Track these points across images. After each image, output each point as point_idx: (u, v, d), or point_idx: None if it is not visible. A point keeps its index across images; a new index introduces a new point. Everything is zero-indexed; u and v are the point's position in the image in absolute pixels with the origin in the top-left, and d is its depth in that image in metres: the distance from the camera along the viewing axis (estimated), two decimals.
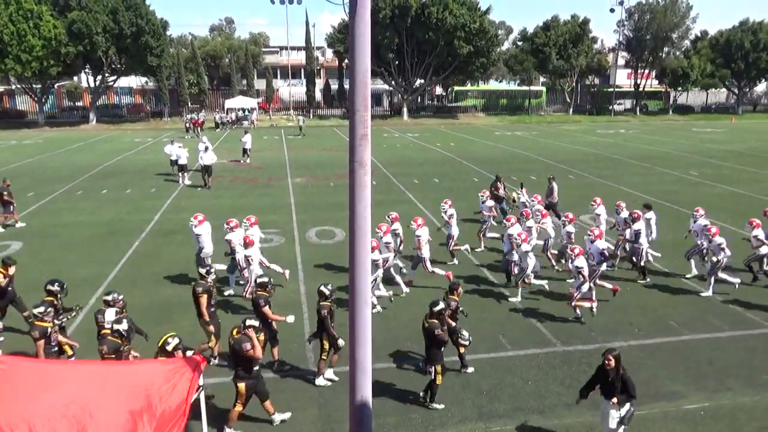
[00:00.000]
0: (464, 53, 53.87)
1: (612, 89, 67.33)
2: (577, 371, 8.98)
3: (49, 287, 8.66)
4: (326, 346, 8.37)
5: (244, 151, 30.35)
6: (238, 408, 7.19)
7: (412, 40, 53.86)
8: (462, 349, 8.76)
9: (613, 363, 6.38)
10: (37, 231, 16.74)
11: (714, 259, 11.97)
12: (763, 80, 71.21)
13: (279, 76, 73.70)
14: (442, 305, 7.94)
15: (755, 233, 12.43)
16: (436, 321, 7.76)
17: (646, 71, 67.77)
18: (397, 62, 56.32)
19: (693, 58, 64.30)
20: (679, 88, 67.68)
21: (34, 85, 51.88)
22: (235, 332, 7.24)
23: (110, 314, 7.93)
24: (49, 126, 51.93)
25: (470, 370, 8.89)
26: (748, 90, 71.62)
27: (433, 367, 7.77)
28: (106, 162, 30.53)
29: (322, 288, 8.53)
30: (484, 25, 54.38)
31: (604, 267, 11.46)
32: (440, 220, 15.56)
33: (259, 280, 9.12)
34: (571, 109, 67.21)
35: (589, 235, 11.57)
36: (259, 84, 68.68)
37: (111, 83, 55.72)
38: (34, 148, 36.94)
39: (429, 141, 41.07)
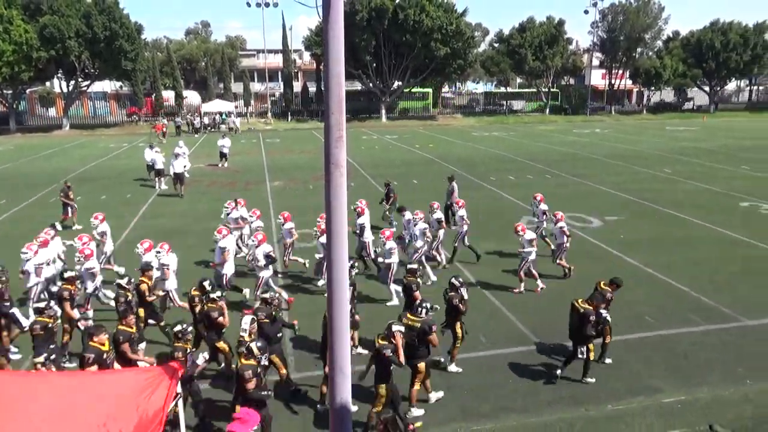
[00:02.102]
0: (441, 55, 54.12)
1: (587, 90, 68.29)
2: (556, 368, 9.06)
3: None
4: (459, 334, 8.79)
5: (222, 155, 30.09)
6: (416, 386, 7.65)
7: (390, 42, 53.97)
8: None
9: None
10: (11, 239, 16.37)
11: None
12: (733, 79, 72.81)
13: (256, 79, 73.29)
14: (400, 327, 7.47)
15: (560, 225, 12.83)
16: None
17: (620, 71, 68.84)
18: (374, 64, 56.37)
19: (665, 58, 65.46)
20: (652, 88, 68.85)
21: (5, 91, 50.80)
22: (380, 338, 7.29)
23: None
24: (21, 132, 50.90)
25: (453, 368, 8.95)
26: (719, 89, 73.14)
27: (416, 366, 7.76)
28: (81, 168, 30.03)
29: (453, 280, 8.94)
30: (461, 26, 54.71)
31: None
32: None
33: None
34: (547, 110, 67.95)
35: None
36: (237, 87, 68.22)
37: (84, 88, 54.82)
38: (6, 155, 36.17)
39: (408, 142, 41.18)
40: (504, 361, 9.29)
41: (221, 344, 8.64)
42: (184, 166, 22.95)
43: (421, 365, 7.70)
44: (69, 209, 17.69)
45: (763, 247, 15.07)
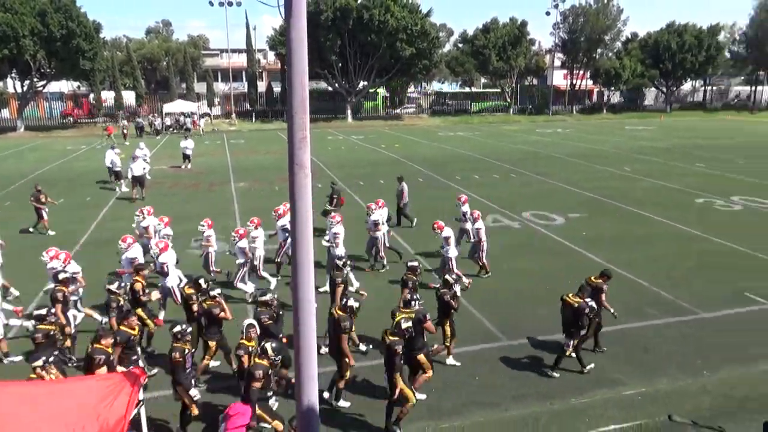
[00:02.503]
0: (407, 55, 54.35)
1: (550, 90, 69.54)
2: (523, 364, 9.22)
3: None
4: (448, 332, 8.95)
5: (185, 156, 29.55)
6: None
7: (355, 42, 53.91)
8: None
9: None
10: None
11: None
12: (689, 80, 75.12)
13: (220, 79, 72.23)
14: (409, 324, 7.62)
15: (477, 226, 13.04)
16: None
17: (582, 72, 70.31)
18: (340, 64, 56.23)
19: (624, 59, 67.11)
20: (612, 88, 70.51)
21: None
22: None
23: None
24: None
25: (451, 361, 9.15)
26: (675, 89, 75.37)
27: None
28: (38, 171, 29.08)
29: (447, 277, 9.23)
30: (426, 27, 55.03)
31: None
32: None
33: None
34: (511, 110, 68.90)
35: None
36: (200, 87, 67.11)
37: (40, 88, 53.06)
38: None
39: (374, 143, 41.21)
40: (470, 358, 9.38)
41: (212, 342, 8.58)
42: (144, 169, 22.34)
43: (422, 357, 7.86)
44: (43, 213, 17.08)
45: (717, 242, 15.61)
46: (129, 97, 61.24)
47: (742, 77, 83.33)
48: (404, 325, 7.41)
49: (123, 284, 9.46)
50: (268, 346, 6.94)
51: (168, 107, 56.53)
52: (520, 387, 8.58)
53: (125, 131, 43.00)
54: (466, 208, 14.35)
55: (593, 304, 8.85)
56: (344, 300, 8.35)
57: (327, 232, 13.01)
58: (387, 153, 35.24)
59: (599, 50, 68.79)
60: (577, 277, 12.90)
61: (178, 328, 7.28)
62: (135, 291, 9.30)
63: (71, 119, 56.76)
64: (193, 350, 7.67)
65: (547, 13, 65.68)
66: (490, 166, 29.24)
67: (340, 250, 11.62)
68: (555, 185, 23.96)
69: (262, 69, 74.03)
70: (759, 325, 10.53)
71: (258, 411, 6.71)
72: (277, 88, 65.00)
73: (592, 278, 9.49)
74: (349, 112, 60.16)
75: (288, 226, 12.69)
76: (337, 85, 58.65)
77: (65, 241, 15.83)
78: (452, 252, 12.17)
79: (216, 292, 8.80)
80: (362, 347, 9.41)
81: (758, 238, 15.81)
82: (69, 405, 4.94)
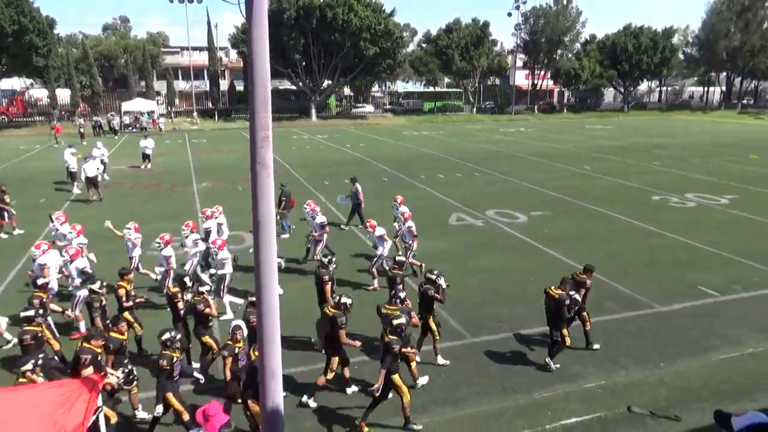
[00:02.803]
0: (371, 54, 54.38)
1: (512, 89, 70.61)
2: (487, 361, 9.34)
3: None
4: (433, 327, 8.98)
5: (145, 156, 28.88)
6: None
7: (319, 41, 53.64)
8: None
9: None
10: None
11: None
12: (645, 80, 77.35)
13: (181, 77, 70.86)
14: (403, 319, 7.70)
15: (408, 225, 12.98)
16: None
17: (543, 72, 71.63)
18: (303, 63, 55.88)
19: (583, 59, 68.70)
20: (572, 87, 72.07)
21: None
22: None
23: None
24: None
25: (441, 361, 9.19)
26: (632, 89, 77.50)
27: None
28: None
29: (429, 274, 9.23)
30: (389, 26, 55.17)
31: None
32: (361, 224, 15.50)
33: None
34: (474, 109, 69.69)
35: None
36: (160, 85, 65.70)
37: None
38: None
39: (339, 142, 41.10)
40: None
41: (207, 339, 8.68)
42: (97, 169, 21.64)
43: (405, 349, 7.97)
44: (5, 214, 16.57)
45: (672, 238, 16.13)
46: (64, 96, 58.85)
47: (696, 78, 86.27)
48: (396, 322, 7.49)
49: (104, 284, 9.29)
50: None
51: (127, 106, 55.15)
52: (484, 383, 8.69)
53: (82, 130, 41.72)
54: (404, 208, 13.98)
55: (577, 296, 9.14)
56: (337, 297, 8.43)
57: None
58: (352, 152, 35.19)
59: (559, 51, 70.25)
60: (540, 274, 13.22)
61: (167, 336, 7.16)
62: (119, 297, 9.24)
63: (5, 118, 54.61)
64: (182, 357, 7.56)
65: (509, 14, 66.78)
66: (454, 165, 29.51)
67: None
68: (518, 184, 24.34)
69: (225, 67, 72.97)
70: (711, 317, 10.93)
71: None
72: (239, 87, 64.20)
73: (578, 273, 9.77)
74: (313, 111, 59.84)
75: (202, 235, 12.76)
76: (301, 84, 58.26)
77: (21, 244, 15.30)
78: (386, 251, 12.13)
79: (205, 288, 8.94)
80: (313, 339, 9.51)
81: (710, 234, 16.41)
82: (25, 413, 4.78)
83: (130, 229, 12.18)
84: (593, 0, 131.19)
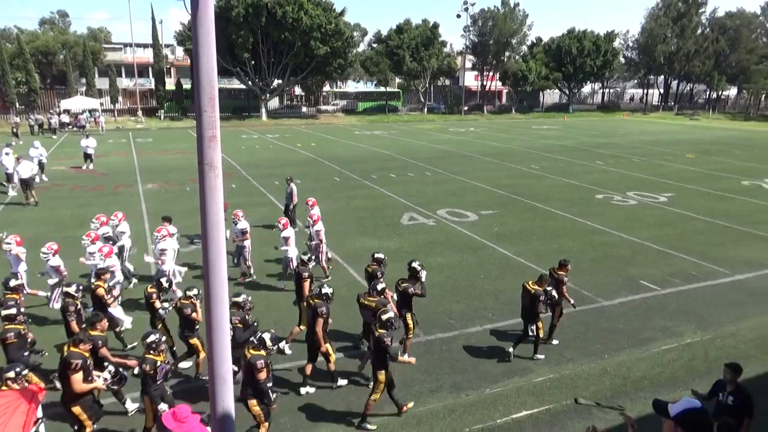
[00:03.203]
0: (321, 54, 54.07)
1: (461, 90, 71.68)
2: (439, 358, 9.45)
3: None
4: (410, 324, 9.03)
5: (87, 156, 27.78)
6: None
7: (268, 39, 52.94)
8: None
9: None
10: None
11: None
12: (588, 82, 79.96)
13: (124, 75, 68.52)
14: (391, 314, 7.81)
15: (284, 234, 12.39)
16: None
17: (491, 73, 72.99)
18: (253, 62, 55.04)
19: (530, 62, 70.40)
20: (519, 89, 73.74)
21: None
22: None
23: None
24: None
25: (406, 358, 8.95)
26: (576, 91, 79.97)
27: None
28: None
29: (415, 264, 9.39)
30: (340, 26, 54.99)
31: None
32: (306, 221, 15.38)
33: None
34: (425, 109, 70.35)
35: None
36: (102, 83, 63.31)
37: None
38: None
39: (290, 142, 40.69)
40: None
41: (194, 341, 8.63)
42: (32, 170, 20.59)
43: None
44: None
45: (615, 234, 16.74)
46: None
47: (635, 80, 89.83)
48: (384, 317, 7.61)
49: (80, 288, 9.05)
50: (266, 336, 7.00)
51: (66, 104, 52.90)
52: (436, 380, 8.80)
53: (15, 129, 39.75)
54: (315, 210, 13.76)
55: (554, 292, 9.45)
56: (318, 288, 8.55)
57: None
58: (304, 152, 34.92)
59: (507, 53, 71.72)
60: (491, 272, 13.49)
61: (151, 338, 7.02)
62: (99, 296, 9.26)
63: None
64: (168, 362, 7.45)
65: (458, 16, 67.72)
66: (405, 165, 29.71)
67: (168, 266, 11.40)
68: (468, 183, 24.72)
69: (170, 65, 71.02)
70: (651, 310, 11.41)
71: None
72: (187, 85, 62.65)
73: (555, 269, 10.01)
74: (263, 110, 59.03)
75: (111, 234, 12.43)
76: (250, 82, 57.37)
77: None
78: (291, 252, 12.07)
79: (193, 292, 8.78)
80: (283, 346, 9.38)
81: (650, 230, 17.13)
82: None
83: (11, 243, 10.80)
84: (538, 4, 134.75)
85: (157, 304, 8.97)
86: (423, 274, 9.34)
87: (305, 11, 51.49)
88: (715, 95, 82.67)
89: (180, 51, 69.08)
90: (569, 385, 8.68)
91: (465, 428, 7.62)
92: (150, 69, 65.28)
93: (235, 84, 61.19)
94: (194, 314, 8.53)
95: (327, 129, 52.63)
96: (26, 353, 7.76)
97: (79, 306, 8.68)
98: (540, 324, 9.38)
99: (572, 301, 10.06)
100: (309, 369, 8.45)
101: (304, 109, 67.63)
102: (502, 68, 71.35)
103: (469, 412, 7.99)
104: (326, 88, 74.24)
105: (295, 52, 53.65)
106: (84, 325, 8.18)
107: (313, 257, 11.23)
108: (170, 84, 62.31)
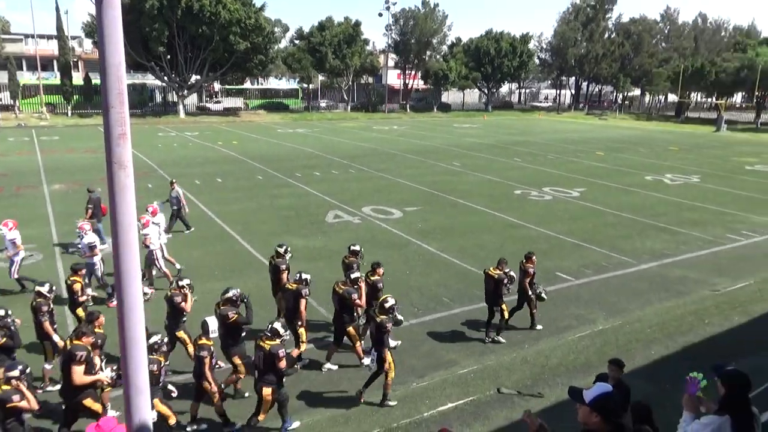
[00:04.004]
0: (241, 49, 52.71)
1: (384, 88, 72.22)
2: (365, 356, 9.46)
3: None
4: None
5: None
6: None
7: (185, 33, 50.98)
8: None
9: None
10: None
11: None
12: (506, 82, 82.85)
13: (26, 68, 63.86)
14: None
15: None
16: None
17: (413, 72, 74.00)
18: (168, 56, 52.84)
19: (451, 61, 71.96)
20: (441, 88, 75.26)
21: None
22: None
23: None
24: None
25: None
26: (495, 91, 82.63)
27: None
28: None
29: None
30: (260, 21, 53.80)
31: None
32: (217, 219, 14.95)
33: None
34: (348, 107, 70.32)
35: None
36: (0, 77, 58.68)
37: None
38: None
39: (209, 140, 39.44)
40: (316, 354, 9.42)
41: (181, 333, 8.68)
42: None
43: (351, 329, 8.90)
44: None
45: (533, 229, 17.44)
46: None
47: (549, 81, 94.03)
48: (387, 305, 8.16)
49: (53, 288, 8.79)
50: (278, 326, 7.21)
51: None
52: (363, 378, 8.80)
53: None
54: (148, 216, 12.82)
55: (512, 273, 10.02)
56: (297, 274, 9.15)
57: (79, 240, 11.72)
58: (225, 150, 33.94)
59: (428, 52, 72.95)
60: (415, 267, 13.67)
61: (153, 340, 7.02)
62: (74, 291, 9.30)
63: None
64: (167, 362, 7.49)
65: (380, 15, 67.94)
66: (329, 163, 29.57)
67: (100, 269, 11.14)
68: (392, 180, 24.95)
69: (78, 58, 66.94)
70: (567, 300, 11.98)
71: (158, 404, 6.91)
72: (96, 80, 59.17)
73: (523, 263, 10.43)
74: (181, 107, 56.84)
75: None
76: (166, 78, 55.07)
77: None
78: (155, 248, 11.78)
79: (185, 282, 8.86)
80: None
81: (564, 224, 17.98)
82: None
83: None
84: (458, 4, 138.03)
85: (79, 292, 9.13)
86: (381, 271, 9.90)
87: (223, 5, 49.99)
88: (621, 96, 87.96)
89: (88, 43, 65.23)
90: (492, 375, 8.95)
91: (393, 423, 7.69)
92: (55, 62, 61.19)
93: (150, 79, 58.48)
94: (183, 304, 8.61)
95: (249, 127, 51.45)
96: (14, 355, 7.75)
97: (51, 306, 8.47)
98: (504, 307, 9.96)
99: (530, 292, 10.43)
100: (296, 352, 8.81)
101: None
102: (423, 67, 72.49)
103: (396, 407, 8.06)
104: (247, 84, 72.28)
105: (213, 47, 52.00)
106: (80, 324, 8.23)
107: (155, 265, 11.49)
108: (78, 78, 58.64)
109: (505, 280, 9.79)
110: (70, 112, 54.31)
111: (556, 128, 56.07)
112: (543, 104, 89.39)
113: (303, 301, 8.84)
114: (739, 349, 9.79)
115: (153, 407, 6.82)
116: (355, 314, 9.07)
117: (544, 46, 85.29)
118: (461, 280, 12.98)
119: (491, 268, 9.98)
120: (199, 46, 52.47)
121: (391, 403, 8.06)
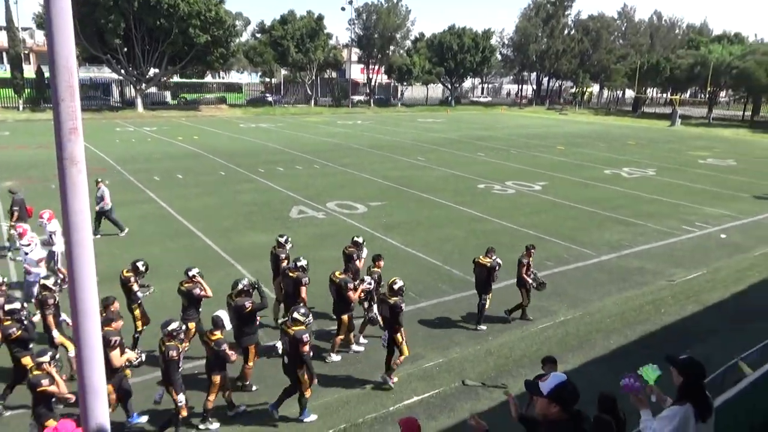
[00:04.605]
0: (201, 42, 51.64)
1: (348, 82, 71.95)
2: (327, 351, 9.43)
3: None
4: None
5: None
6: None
7: (142, 25, 49.66)
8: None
9: None
10: None
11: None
12: (469, 77, 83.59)
13: None
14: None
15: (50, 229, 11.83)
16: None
17: (377, 67, 73.90)
18: (125, 49, 51.38)
19: (414, 56, 72.13)
20: (405, 83, 75.40)
21: None
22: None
23: None
24: None
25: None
26: (458, 86, 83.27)
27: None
28: None
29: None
30: (221, 14, 52.79)
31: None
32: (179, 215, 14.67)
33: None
34: (312, 101, 69.78)
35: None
36: None
37: None
38: None
39: (169, 135, 38.58)
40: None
41: (191, 324, 8.62)
42: None
43: (345, 317, 9.03)
44: None
45: (496, 222, 17.67)
46: None
47: (511, 76, 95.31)
48: (396, 286, 8.44)
49: (59, 281, 8.68)
50: (297, 314, 7.37)
51: None
52: (328, 373, 8.78)
53: None
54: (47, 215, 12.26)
55: (498, 260, 10.35)
56: (295, 261, 9.45)
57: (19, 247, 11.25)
58: (185, 146, 33.25)
59: (392, 47, 72.94)
60: (393, 261, 13.63)
61: (173, 326, 7.09)
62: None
63: None
64: (186, 347, 7.46)
65: (342, 9, 67.27)
66: (293, 158, 29.30)
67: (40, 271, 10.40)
68: (357, 175, 24.89)
69: (29, 50, 64.55)
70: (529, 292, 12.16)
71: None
72: (48, 73, 57.16)
73: (524, 255, 10.74)
74: (139, 101, 55.38)
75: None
76: (123, 71, 53.56)
77: None
78: (57, 248, 11.51)
79: (194, 271, 8.87)
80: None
81: (527, 217, 18.27)
82: None
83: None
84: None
85: (135, 288, 9.03)
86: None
87: None
88: (580, 92, 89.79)
89: (40, 35, 63.01)
90: (456, 368, 9.04)
91: (359, 418, 7.69)
92: (5, 54, 58.81)
93: (107, 72, 56.67)
94: (203, 293, 8.75)
95: (210, 121, 50.54)
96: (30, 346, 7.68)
97: (57, 299, 8.34)
98: (489, 296, 10.36)
99: (530, 282, 10.70)
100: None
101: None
102: (387, 62, 72.45)
103: (362, 401, 8.06)
104: (208, 78, 70.82)
105: (172, 40, 50.78)
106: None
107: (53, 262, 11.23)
108: (29, 72, 56.54)
109: (497, 268, 10.21)
110: (21, 107, 52.29)
111: (519, 123, 56.86)
112: (505, 99, 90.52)
113: (303, 288, 9.21)
114: (692, 338, 10.14)
115: (169, 393, 7.09)
116: (352, 305, 9.24)
117: (506, 42, 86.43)
118: (427, 274, 13.06)
119: (481, 257, 10.34)
120: (157, 39, 51.18)
121: (392, 382, 8.42)
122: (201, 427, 7.43)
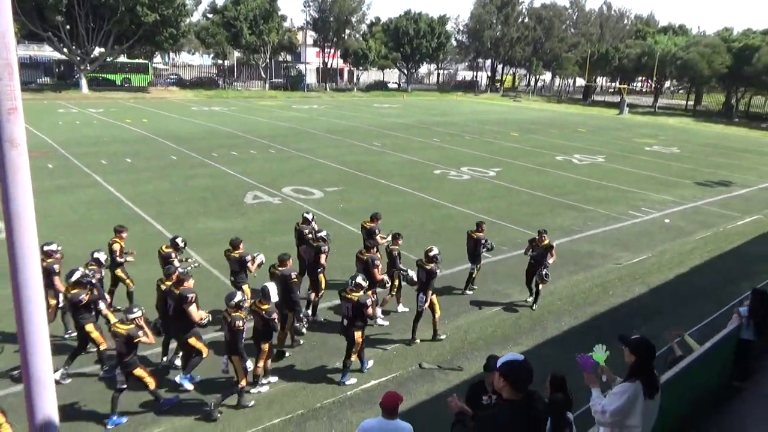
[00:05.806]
0: (150, 21, 49.81)
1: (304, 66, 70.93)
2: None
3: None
4: (395, 282, 10.47)
5: None
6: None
7: (86, 2, 47.49)
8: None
9: None
10: None
11: None
12: (425, 63, 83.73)
13: None
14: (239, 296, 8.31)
15: None
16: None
17: (333, 51, 73.08)
18: (68, 27, 49.06)
19: (370, 41, 71.66)
20: (360, 68, 74.90)
21: None
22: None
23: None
24: None
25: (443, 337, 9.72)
26: (414, 71, 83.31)
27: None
28: None
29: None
30: None
31: None
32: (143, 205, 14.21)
33: None
34: (266, 85, 68.56)
35: None
36: None
37: None
38: None
39: (117, 117, 37.20)
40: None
41: (245, 286, 9.28)
42: None
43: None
44: None
45: (452, 208, 17.86)
46: None
47: (467, 63, 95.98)
48: (432, 254, 9.29)
49: (59, 247, 8.86)
50: (360, 279, 8.19)
51: None
52: (287, 359, 8.73)
53: None
54: None
55: (492, 243, 11.37)
56: (315, 233, 10.15)
57: None
58: (134, 129, 32.14)
59: (348, 31, 72.19)
60: (341, 248, 13.61)
61: (238, 298, 7.45)
62: (113, 251, 9.49)
63: None
64: (248, 318, 7.67)
65: None
66: (248, 142, 28.77)
67: None
68: (313, 160, 24.66)
69: None
70: (484, 276, 12.36)
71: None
72: None
73: (538, 241, 11.02)
74: (83, 82, 53.10)
75: None
76: (66, 50, 51.18)
77: None
78: None
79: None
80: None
81: (482, 202, 18.55)
82: None
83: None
84: None
85: (176, 263, 9.17)
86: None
87: None
88: (533, 79, 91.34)
89: None
90: (414, 352, 9.14)
91: (317, 403, 7.69)
92: None
93: (48, 51, 53.95)
94: (251, 264, 9.37)
95: (160, 104, 48.99)
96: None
97: (101, 275, 8.65)
98: (478, 266, 11.37)
99: (545, 271, 10.82)
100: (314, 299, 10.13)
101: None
102: (343, 46, 71.73)
103: (320, 386, 8.06)
104: (157, 59, 68.50)
105: (118, 18, 48.77)
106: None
107: None
108: None
109: (483, 241, 11.08)
110: None
111: (474, 109, 57.44)
112: (459, 85, 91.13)
113: (323, 255, 9.83)
114: (638, 318, 10.56)
115: (232, 363, 7.51)
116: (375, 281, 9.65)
117: (461, 29, 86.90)
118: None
119: (474, 231, 11.30)
120: (102, 17, 49.06)
121: (442, 337, 9.53)
122: (253, 391, 7.76)
